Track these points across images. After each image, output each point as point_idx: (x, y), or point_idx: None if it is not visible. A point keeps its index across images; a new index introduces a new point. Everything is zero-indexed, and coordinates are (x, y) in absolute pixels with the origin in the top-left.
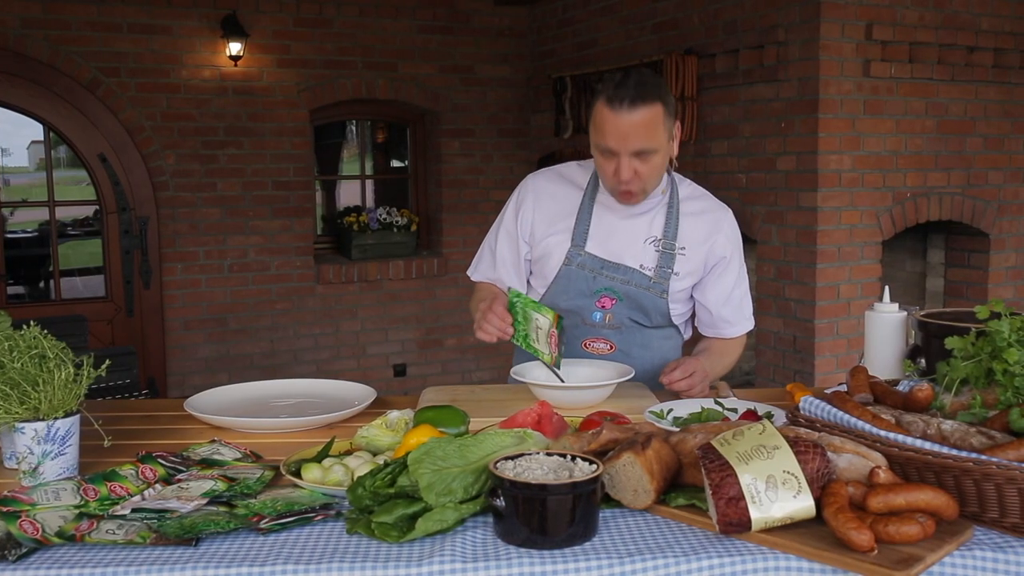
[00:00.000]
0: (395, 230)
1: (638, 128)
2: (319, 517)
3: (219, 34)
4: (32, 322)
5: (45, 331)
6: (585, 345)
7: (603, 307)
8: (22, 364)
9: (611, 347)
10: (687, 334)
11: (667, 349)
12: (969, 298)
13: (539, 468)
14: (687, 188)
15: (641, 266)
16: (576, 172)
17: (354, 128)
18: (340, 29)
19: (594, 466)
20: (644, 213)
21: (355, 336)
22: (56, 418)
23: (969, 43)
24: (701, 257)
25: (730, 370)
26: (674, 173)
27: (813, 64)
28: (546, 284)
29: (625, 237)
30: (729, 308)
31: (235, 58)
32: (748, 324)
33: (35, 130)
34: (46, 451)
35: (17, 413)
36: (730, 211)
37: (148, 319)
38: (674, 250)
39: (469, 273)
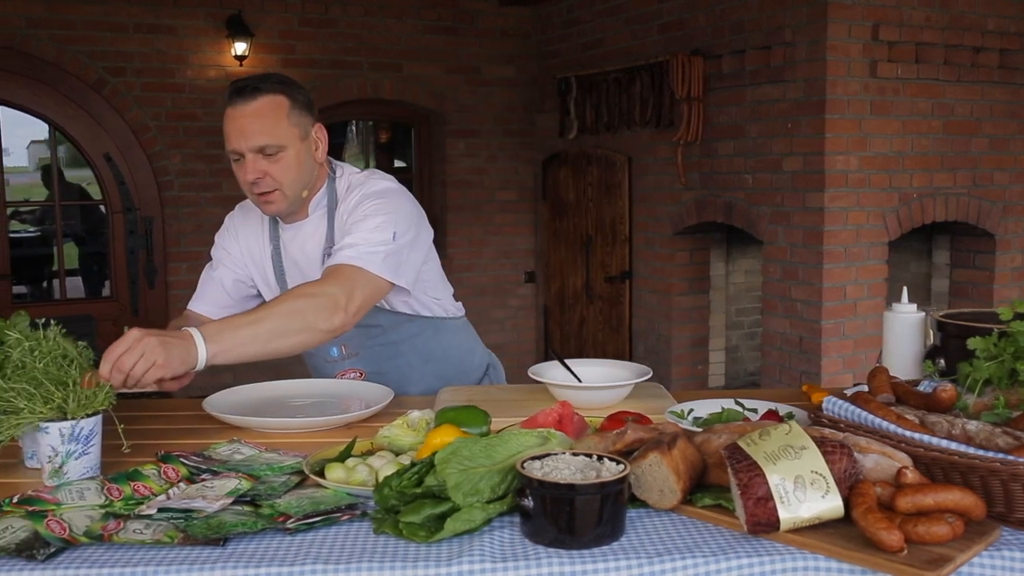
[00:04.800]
0: None
1: (255, 121)
2: (345, 517)
3: (224, 34)
4: (52, 321)
5: (64, 330)
6: (340, 376)
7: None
8: (44, 364)
9: (361, 374)
10: (453, 312)
11: (428, 346)
12: (974, 299)
13: (566, 468)
14: (345, 181)
15: None
16: None
17: (355, 128)
18: (345, 29)
19: (621, 466)
20: (314, 229)
21: None
22: (82, 417)
23: (975, 43)
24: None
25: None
26: (337, 169)
27: (820, 65)
28: None
29: (310, 260)
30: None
31: (240, 58)
32: (357, 259)
33: (35, 130)
34: (70, 451)
35: (42, 413)
36: (375, 178)
37: (153, 319)
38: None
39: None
